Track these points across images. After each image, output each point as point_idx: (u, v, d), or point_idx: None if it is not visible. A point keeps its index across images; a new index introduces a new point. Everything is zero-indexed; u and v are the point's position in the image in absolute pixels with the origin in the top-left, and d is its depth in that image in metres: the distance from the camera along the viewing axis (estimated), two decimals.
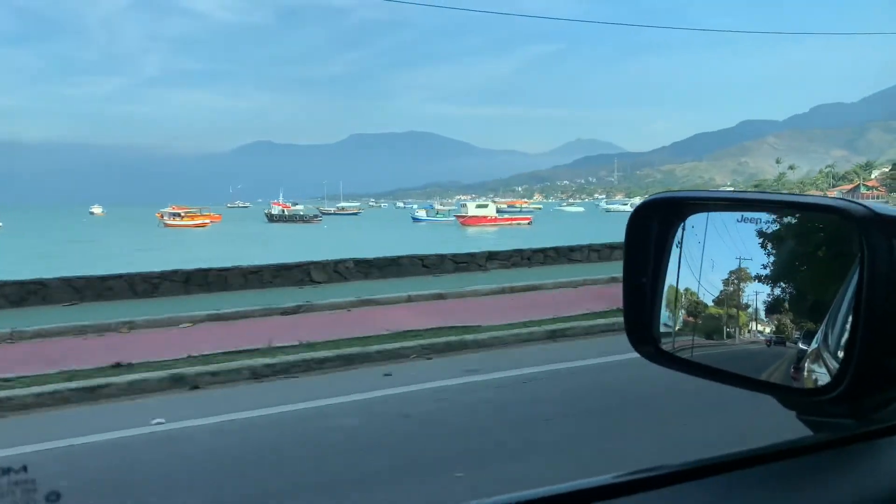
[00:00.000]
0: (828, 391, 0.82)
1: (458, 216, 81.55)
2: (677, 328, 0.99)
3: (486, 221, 74.04)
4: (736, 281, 0.92)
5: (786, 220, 0.90)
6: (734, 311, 0.92)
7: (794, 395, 0.88)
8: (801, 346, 0.87)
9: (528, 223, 76.18)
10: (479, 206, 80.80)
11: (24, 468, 1.07)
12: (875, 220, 0.79)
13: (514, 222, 76.84)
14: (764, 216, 0.91)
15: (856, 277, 0.80)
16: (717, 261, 0.94)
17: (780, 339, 0.89)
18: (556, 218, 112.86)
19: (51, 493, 1.07)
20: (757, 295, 0.90)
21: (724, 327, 0.93)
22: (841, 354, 0.81)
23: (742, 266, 0.91)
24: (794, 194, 1.05)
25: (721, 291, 0.94)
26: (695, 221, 0.97)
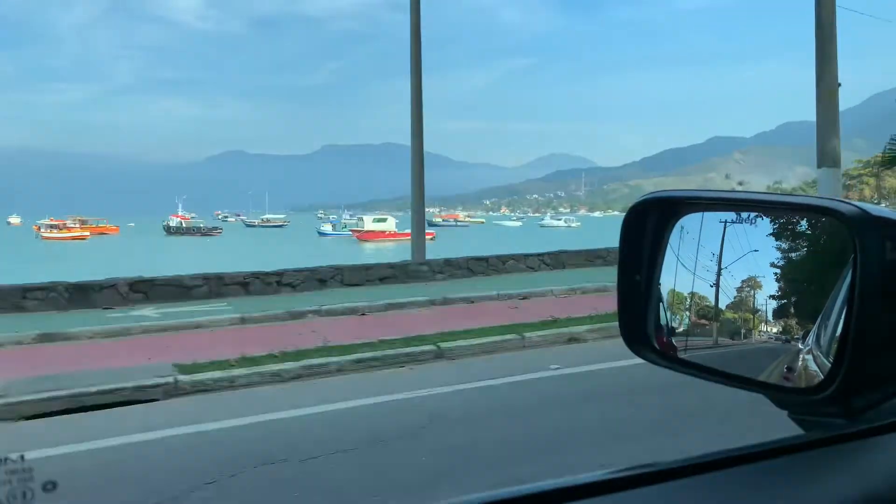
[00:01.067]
0: (819, 391, 0.83)
1: (353, 230, 77.78)
2: (671, 327, 0.99)
3: (385, 237, 69.77)
4: (730, 280, 0.93)
5: (780, 220, 0.91)
6: (728, 311, 0.93)
7: (785, 395, 0.89)
8: (793, 346, 0.88)
9: (432, 238, 69.76)
10: (376, 221, 77.15)
11: (22, 457, 1.05)
12: (867, 221, 0.80)
13: None
14: (758, 216, 0.91)
15: (848, 278, 0.81)
16: (711, 260, 0.95)
17: (773, 338, 0.89)
18: (485, 231, 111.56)
19: (47, 482, 1.05)
20: (751, 295, 0.91)
21: (718, 327, 0.94)
22: (832, 355, 0.82)
23: (737, 266, 0.92)
24: (788, 194, 1.06)
25: (715, 291, 0.94)
26: (690, 220, 0.97)
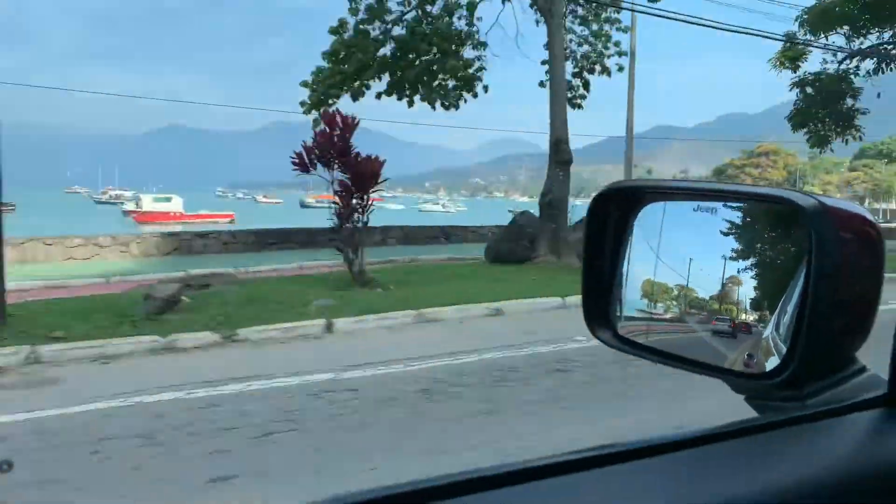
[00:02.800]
0: (774, 376, 0.86)
1: (128, 211, 65.38)
2: (635, 314, 1.01)
3: (170, 218, 58.91)
4: (691, 269, 0.95)
5: (740, 210, 0.93)
6: (690, 298, 0.95)
7: (743, 380, 0.92)
8: (753, 333, 0.90)
9: (230, 220, 58.42)
10: (157, 201, 65.26)
11: None
12: (823, 212, 0.83)
13: (211, 219, 58.93)
14: (719, 206, 0.94)
15: (805, 266, 0.83)
16: (673, 248, 0.97)
17: (733, 325, 0.92)
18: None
19: (2, 462, 1.00)
20: (712, 282, 0.93)
21: (681, 313, 0.96)
22: (789, 342, 0.85)
23: (697, 254, 0.94)
24: (748, 185, 1.09)
25: (677, 279, 0.96)
26: (652, 210, 0.99)
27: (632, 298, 1.01)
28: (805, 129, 24.80)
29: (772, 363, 0.87)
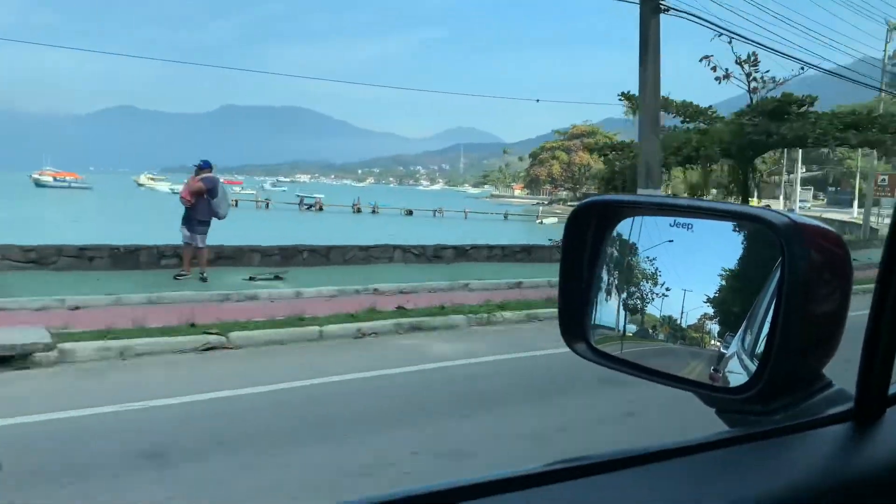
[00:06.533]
0: (744, 391, 0.88)
1: None
2: (610, 327, 1.02)
3: None
4: (665, 283, 0.96)
5: (714, 227, 0.95)
6: (663, 312, 0.97)
7: (713, 394, 0.94)
8: (723, 347, 0.93)
9: None
10: None
11: None
12: (795, 229, 0.85)
13: None
14: (696, 222, 0.95)
15: (774, 283, 0.86)
16: (648, 263, 0.98)
17: (704, 339, 0.94)
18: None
19: None
20: (685, 297, 0.95)
21: (654, 327, 0.98)
22: (757, 356, 0.87)
23: (672, 269, 0.96)
24: (723, 203, 1.11)
25: (651, 292, 0.98)
26: (629, 224, 1.00)
27: (607, 312, 1.02)
28: None
29: (741, 378, 0.90)
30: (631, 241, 1.00)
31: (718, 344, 0.93)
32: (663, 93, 18.02)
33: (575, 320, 1.03)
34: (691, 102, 24.73)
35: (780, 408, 0.88)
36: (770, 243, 0.87)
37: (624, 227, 1.01)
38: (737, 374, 0.91)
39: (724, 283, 0.93)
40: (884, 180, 41.00)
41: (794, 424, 0.86)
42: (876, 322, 0.84)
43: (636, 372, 0.98)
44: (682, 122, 25.35)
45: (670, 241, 0.96)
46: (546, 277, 13.94)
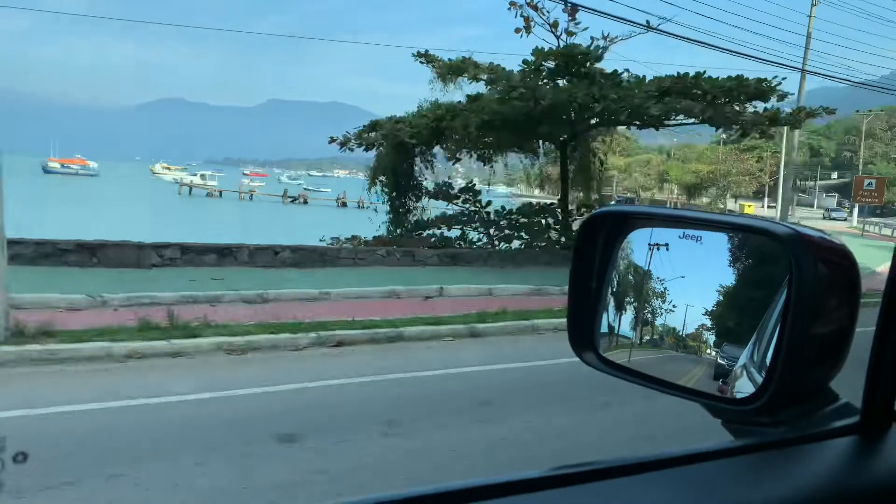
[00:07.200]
0: (750, 402, 0.88)
1: None
2: (619, 337, 1.03)
3: None
4: (675, 294, 0.97)
5: (723, 239, 0.95)
6: (672, 323, 0.97)
7: (720, 405, 0.94)
8: (730, 359, 0.93)
9: None
10: None
11: None
12: (802, 242, 0.85)
13: None
14: (704, 234, 0.96)
15: (783, 296, 0.86)
16: (658, 274, 0.99)
17: (713, 351, 0.94)
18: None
19: (18, 453, 1.01)
20: (694, 309, 0.95)
21: (663, 338, 0.98)
22: (765, 369, 0.87)
23: (682, 280, 0.96)
24: (730, 215, 1.11)
25: (661, 303, 0.98)
26: (640, 235, 1.01)
27: (616, 321, 1.03)
28: None
29: (748, 390, 0.90)
30: (642, 251, 1.01)
31: (725, 355, 0.93)
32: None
33: (583, 329, 1.03)
34: (499, 65, 17.36)
35: (786, 420, 0.88)
36: (777, 255, 0.86)
37: (634, 238, 1.01)
38: (744, 386, 0.91)
39: (732, 295, 0.93)
40: (870, 184, 38.93)
41: (799, 436, 0.86)
42: (882, 337, 0.83)
43: (644, 382, 0.98)
44: (488, 88, 17.57)
45: (679, 252, 0.97)
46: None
